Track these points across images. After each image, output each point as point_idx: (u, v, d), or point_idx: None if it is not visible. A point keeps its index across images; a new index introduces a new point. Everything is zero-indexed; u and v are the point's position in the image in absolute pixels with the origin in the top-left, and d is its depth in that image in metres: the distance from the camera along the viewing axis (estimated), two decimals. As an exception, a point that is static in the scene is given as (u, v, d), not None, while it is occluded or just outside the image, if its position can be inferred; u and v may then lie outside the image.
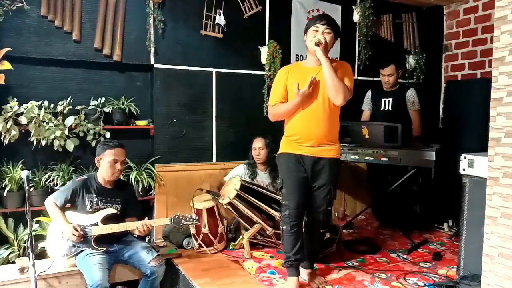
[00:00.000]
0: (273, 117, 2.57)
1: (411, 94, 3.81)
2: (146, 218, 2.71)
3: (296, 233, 2.49)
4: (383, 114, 3.85)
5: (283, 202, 2.52)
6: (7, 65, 2.83)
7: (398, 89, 3.89)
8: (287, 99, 2.52)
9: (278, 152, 2.64)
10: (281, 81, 2.54)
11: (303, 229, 2.59)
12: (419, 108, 3.80)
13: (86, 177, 2.76)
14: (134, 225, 2.67)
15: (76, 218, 2.66)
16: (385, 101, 3.88)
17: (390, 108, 3.85)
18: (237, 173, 3.57)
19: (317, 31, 2.41)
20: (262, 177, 3.60)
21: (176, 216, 2.76)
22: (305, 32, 2.50)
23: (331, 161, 2.50)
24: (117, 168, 2.73)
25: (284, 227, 2.52)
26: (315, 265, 2.79)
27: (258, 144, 3.57)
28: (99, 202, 2.70)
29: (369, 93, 4.05)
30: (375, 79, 4.40)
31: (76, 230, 2.56)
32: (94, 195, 2.70)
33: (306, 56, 2.70)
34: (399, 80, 4.00)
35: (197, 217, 2.87)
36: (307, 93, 2.38)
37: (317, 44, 2.33)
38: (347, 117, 3.74)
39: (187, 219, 2.77)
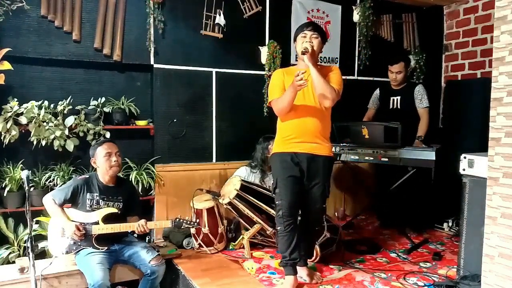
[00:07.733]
0: (279, 110, 2.56)
1: (419, 91, 3.74)
2: (144, 220, 2.70)
3: (290, 233, 2.52)
4: (392, 113, 3.81)
5: (277, 202, 2.56)
6: (7, 65, 2.83)
7: (406, 87, 3.84)
8: None
9: (271, 153, 2.71)
10: (279, 78, 2.63)
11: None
12: (428, 105, 3.72)
13: (87, 176, 2.77)
14: (134, 226, 2.68)
15: (77, 215, 2.66)
16: (393, 99, 3.85)
17: (399, 107, 3.81)
18: (239, 175, 3.54)
19: (305, 37, 2.53)
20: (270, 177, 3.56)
21: (177, 219, 2.77)
22: (295, 39, 2.63)
23: (325, 160, 2.59)
24: (114, 160, 2.72)
25: (278, 228, 2.57)
26: (313, 265, 2.83)
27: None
28: (100, 201, 2.70)
29: (377, 92, 4.03)
30: (375, 79, 4.41)
31: (79, 229, 2.57)
32: (96, 194, 2.70)
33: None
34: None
35: (198, 221, 2.87)
36: (303, 85, 2.36)
37: (303, 53, 2.43)
38: (349, 116, 3.76)
39: (188, 222, 2.78)
